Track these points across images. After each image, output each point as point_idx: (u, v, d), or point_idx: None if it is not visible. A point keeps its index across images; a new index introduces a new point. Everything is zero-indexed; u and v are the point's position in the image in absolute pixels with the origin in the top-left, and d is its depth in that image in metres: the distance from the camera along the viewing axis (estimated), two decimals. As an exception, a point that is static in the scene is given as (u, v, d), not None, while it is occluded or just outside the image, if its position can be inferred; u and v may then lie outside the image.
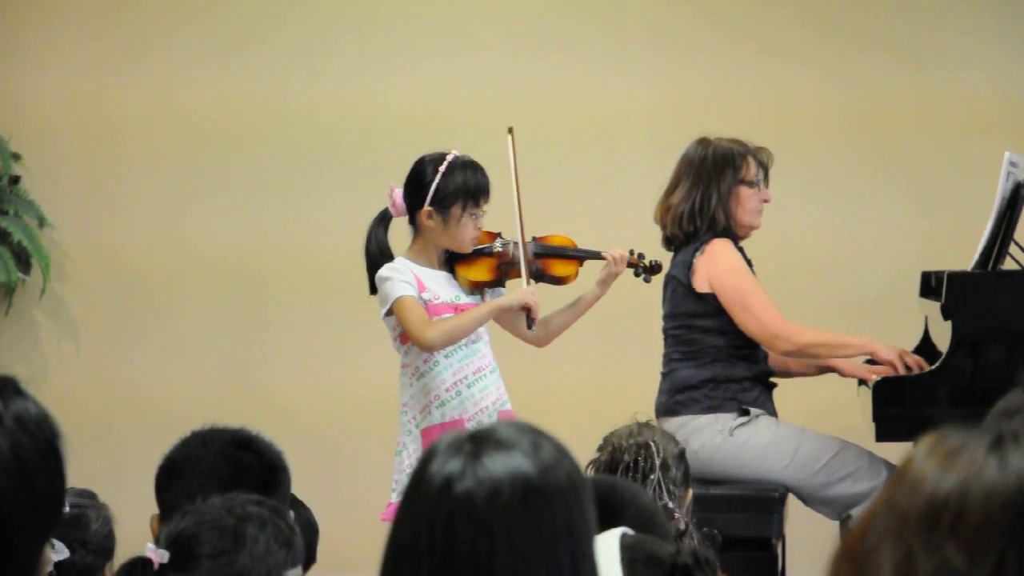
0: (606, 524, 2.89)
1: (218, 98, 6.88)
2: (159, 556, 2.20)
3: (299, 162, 6.87)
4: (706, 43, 6.80)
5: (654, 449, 3.85)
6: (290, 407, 6.76)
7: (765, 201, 5.38)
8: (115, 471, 6.36)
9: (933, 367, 5.11)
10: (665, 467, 3.86)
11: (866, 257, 6.74)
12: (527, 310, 4.87)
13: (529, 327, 4.88)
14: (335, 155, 6.85)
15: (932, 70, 6.75)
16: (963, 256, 5.47)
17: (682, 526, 3.80)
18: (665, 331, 5.43)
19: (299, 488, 3.24)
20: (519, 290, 4.89)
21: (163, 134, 6.90)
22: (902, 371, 5.23)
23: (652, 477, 3.83)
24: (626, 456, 3.85)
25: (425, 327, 4.76)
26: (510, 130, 5.03)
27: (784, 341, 5.26)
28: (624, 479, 3.47)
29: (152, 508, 2.97)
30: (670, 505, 3.81)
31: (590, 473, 3.88)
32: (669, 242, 5.43)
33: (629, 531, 2.62)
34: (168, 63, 6.89)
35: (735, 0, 6.81)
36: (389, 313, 4.81)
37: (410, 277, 4.83)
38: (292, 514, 2.89)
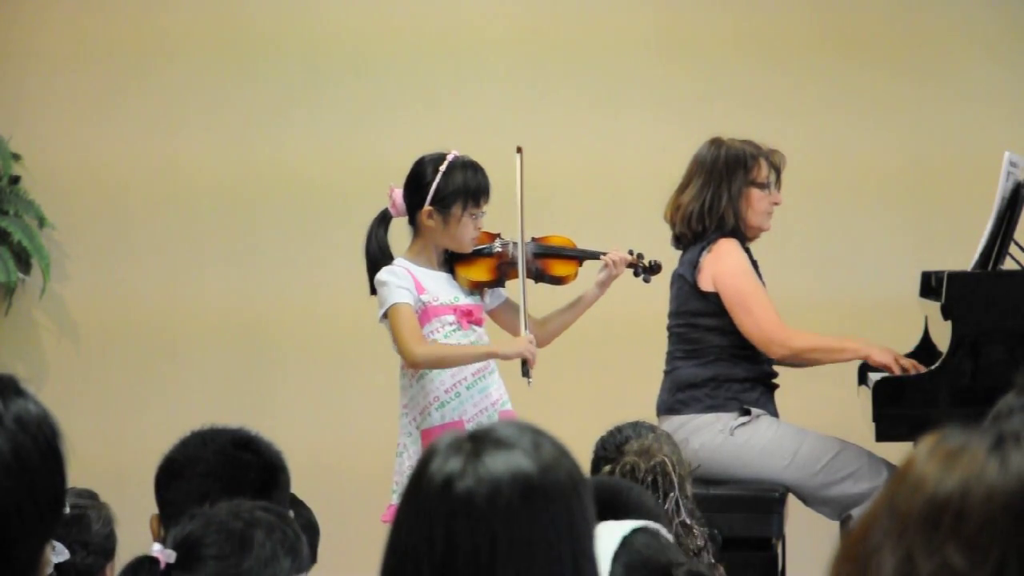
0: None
1: (217, 97, 6.88)
2: (166, 556, 2.20)
3: (303, 204, 6.87)
4: (710, 57, 6.79)
5: (670, 466, 3.84)
6: (291, 410, 6.76)
7: (775, 204, 5.38)
8: (115, 471, 6.35)
9: (933, 367, 5.11)
10: (682, 484, 3.85)
11: (866, 257, 6.74)
12: (523, 359, 4.83)
13: (524, 375, 4.85)
14: (337, 202, 6.74)
15: (932, 70, 6.74)
16: (963, 256, 5.47)
17: (700, 542, 3.79)
18: (669, 329, 5.44)
19: (299, 488, 3.24)
20: (518, 339, 4.86)
21: (163, 135, 6.89)
22: (897, 371, 5.23)
23: (672, 495, 3.82)
24: (645, 477, 3.83)
25: (415, 342, 4.75)
26: (519, 149, 5.03)
27: (780, 346, 5.26)
28: (629, 481, 3.46)
29: (152, 508, 2.97)
30: (688, 522, 3.80)
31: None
32: (678, 240, 5.43)
33: (646, 526, 2.61)
34: (167, 63, 6.89)
35: (738, 15, 6.79)
36: (385, 316, 4.81)
37: (408, 282, 4.82)
38: (292, 514, 2.90)
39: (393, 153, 6.72)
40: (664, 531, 2.64)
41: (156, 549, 2.16)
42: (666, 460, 3.85)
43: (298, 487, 3.17)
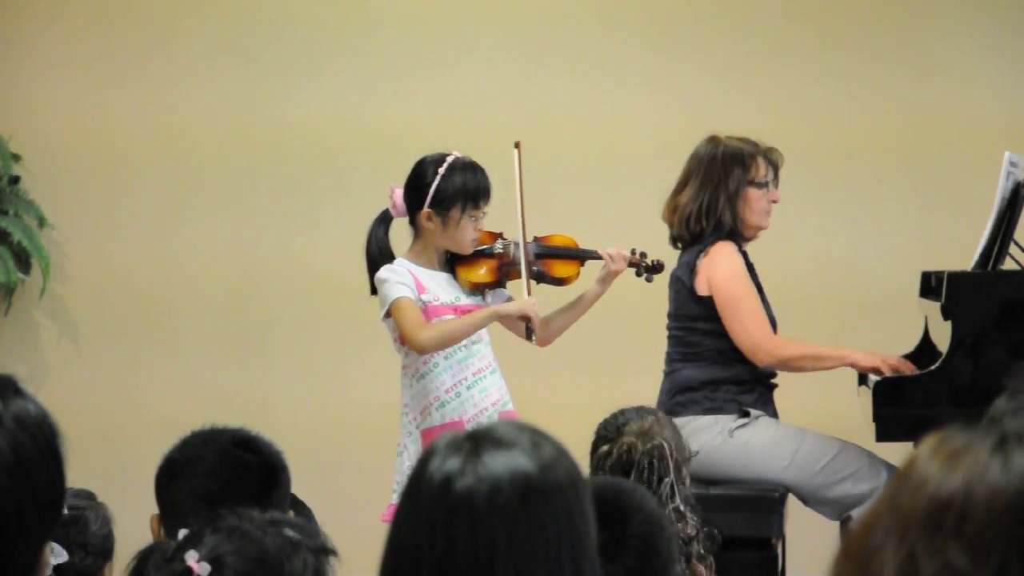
0: (613, 530, 2.89)
1: (218, 100, 6.88)
2: (200, 569, 2.16)
3: (300, 173, 6.87)
4: (709, 48, 6.79)
5: (668, 451, 3.84)
6: (291, 407, 6.76)
7: (774, 201, 5.37)
8: (115, 471, 6.35)
9: (933, 367, 5.10)
10: (678, 469, 3.85)
11: (866, 257, 6.74)
12: (526, 319, 4.84)
13: (528, 337, 4.86)
14: (336, 170, 6.83)
15: (932, 71, 6.74)
16: (963, 256, 5.47)
17: (691, 531, 3.79)
18: (668, 330, 5.43)
19: (300, 488, 3.24)
20: (519, 299, 4.88)
21: (163, 135, 6.89)
22: (889, 374, 5.22)
23: (667, 480, 3.83)
24: (642, 459, 3.83)
25: (419, 329, 4.75)
26: (517, 144, 5.02)
27: (766, 355, 5.26)
28: (632, 482, 3.46)
29: (152, 508, 2.96)
30: (682, 508, 3.80)
31: (598, 466, 3.88)
32: (676, 241, 5.43)
33: None
34: (168, 67, 6.89)
35: (737, 6, 6.80)
36: (388, 315, 4.81)
37: (407, 279, 4.82)
38: (292, 514, 2.89)
39: (389, 118, 6.77)
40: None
41: (191, 556, 2.14)
42: (664, 444, 3.85)
43: (299, 487, 3.17)
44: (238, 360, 6.86)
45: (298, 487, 3.20)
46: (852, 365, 5.33)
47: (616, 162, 6.81)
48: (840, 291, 6.71)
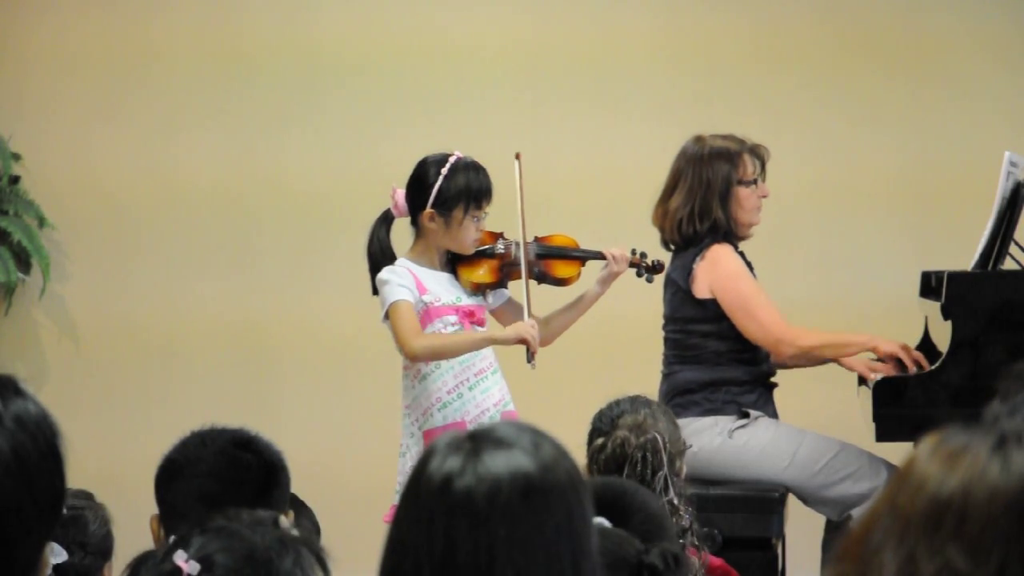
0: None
1: (217, 96, 6.88)
2: (190, 567, 2.16)
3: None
4: (706, 53, 6.79)
5: (661, 444, 3.85)
6: (293, 408, 6.76)
7: (763, 196, 5.37)
8: (114, 471, 6.35)
9: (933, 367, 5.10)
10: (672, 462, 3.86)
11: (866, 257, 6.73)
12: (525, 344, 4.81)
13: (528, 361, 4.83)
14: (337, 213, 6.78)
15: (932, 71, 6.74)
16: (963, 256, 5.47)
17: (686, 523, 3.80)
18: (665, 333, 5.43)
19: (300, 488, 3.24)
20: (518, 324, 4.85)
21: (163, 136, 6.89)
22: (907, 361, 5.22)
23: (660, 473, 3.83)
24: (635, 453, 3.84)
25: (413, 336, 4.74)
26: (517, 156, 5.02)
27: (788, 346, 5.26)
28: (634, 483, 3.47)
29: (152, 508, 2.96)
30: (675, 502, 3.81)
31: (593, 459, 3.88)
32: (667, 244, 5.43)
33: (602, 523, 2.60)
34: (168, 67, 6.89)
35: (734, 15, 6.79)
36: (387, 317, 4.81)
37: (408, 281, 4.81)
38: (293, 514, 2.89)
39: (391, 160, 6.72)
40: (605, 523, 2.63)
41: (179, 556, 2.13)
42: (658, 437, 3.85)
43: (299, 487, 3.17)
44: (239, 360, 6.86)
45: (299, 487, 3.20)
46: (874, 350, 5.31)
47: (615, 172, 6.80)
48: (840, 292, 6.71)
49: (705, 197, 5.29)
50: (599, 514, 2.53)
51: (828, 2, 6.76)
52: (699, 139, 5.37)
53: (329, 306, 6.79)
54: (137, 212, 6.90)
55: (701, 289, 5.29)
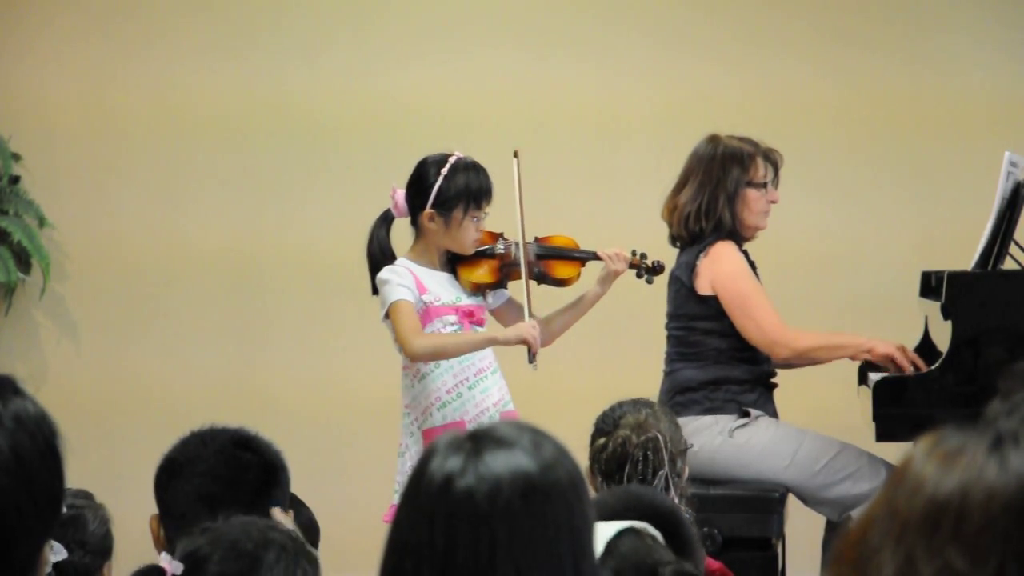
0: None
1: (217, 95, 6.88)
2: (173, 567, 2.17)
3: (299, 159, 6.87)
4: (707, 42, 6.79)
5: (662, 443, 3.86)
6: (291, 407, 6.76)
7: (772, 202, 5.37)
8: (115, 471, 6.35)
9: (933, 367, 5.10)
10: (673, 462, 3.86)
11: (866, 257, 6.73)
12: (525, 344, 4.81)
13: (530, 361, 4.83)
14: (336, 152, 6.84)
15: (932, 69, 6.74)
16: (963, 256, 5.47)
17: None
18: (667, 330, 5.43)
19: (300, 488, 3.24)
20: (520, 324, 4.84)
21: (163, 133, 6.89)
22: (904, 363, 5.22)
23: (661, 473, 3.84)
24: (636, 452, 3.85)
25: (414, 335, 4.74)
26: (516, 153, 5.01)
27: (783, 347, 5.26)
28: (651, 489, 3.47)
29: (152, 508, 2.96)
30: (676, 500, 3.82)
31: (594, 459, 3.89)
32: (675, 240, 5.43)
33: (633, 527, 2.60)
34: (167, 61, 6.89)
35: (736, 9, 6.80)
36: (387, 316, 4.81)
37: (408, 280, 4.81)
38: (293, 514, 2.89)
39: (391, 98, 6.77)
40: (651, 529, 2.64)
41: (164, 559, 2.14)
42: (659, 436, 3.86)
43: (299, 487, 3.17)
44: (239, 360, 6.86)
45: (300, 487, 3.20)
46: (870, 352, 5.31)
47: (614, 157, 6.80)
48: (840, 291, 6.71)
49: (714, 195, 5.30)
50: (646, 521, 2.55)
51: (830, 64, 6.75)
52: (714, 138, 5.37)
53: (333, 307, 6.80)
54: (137, 212, 6.90)
55: (703, 285, 5.29)
